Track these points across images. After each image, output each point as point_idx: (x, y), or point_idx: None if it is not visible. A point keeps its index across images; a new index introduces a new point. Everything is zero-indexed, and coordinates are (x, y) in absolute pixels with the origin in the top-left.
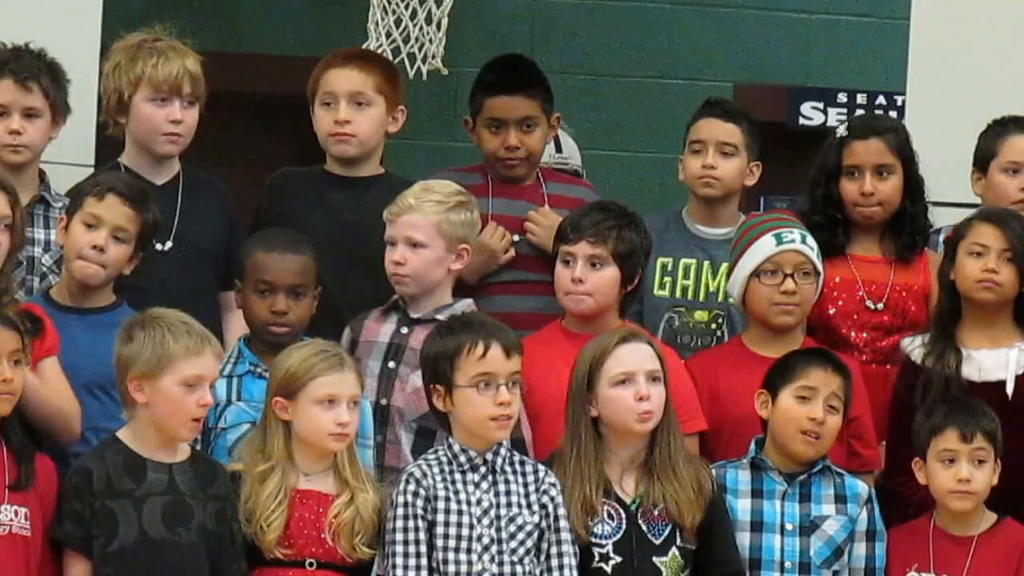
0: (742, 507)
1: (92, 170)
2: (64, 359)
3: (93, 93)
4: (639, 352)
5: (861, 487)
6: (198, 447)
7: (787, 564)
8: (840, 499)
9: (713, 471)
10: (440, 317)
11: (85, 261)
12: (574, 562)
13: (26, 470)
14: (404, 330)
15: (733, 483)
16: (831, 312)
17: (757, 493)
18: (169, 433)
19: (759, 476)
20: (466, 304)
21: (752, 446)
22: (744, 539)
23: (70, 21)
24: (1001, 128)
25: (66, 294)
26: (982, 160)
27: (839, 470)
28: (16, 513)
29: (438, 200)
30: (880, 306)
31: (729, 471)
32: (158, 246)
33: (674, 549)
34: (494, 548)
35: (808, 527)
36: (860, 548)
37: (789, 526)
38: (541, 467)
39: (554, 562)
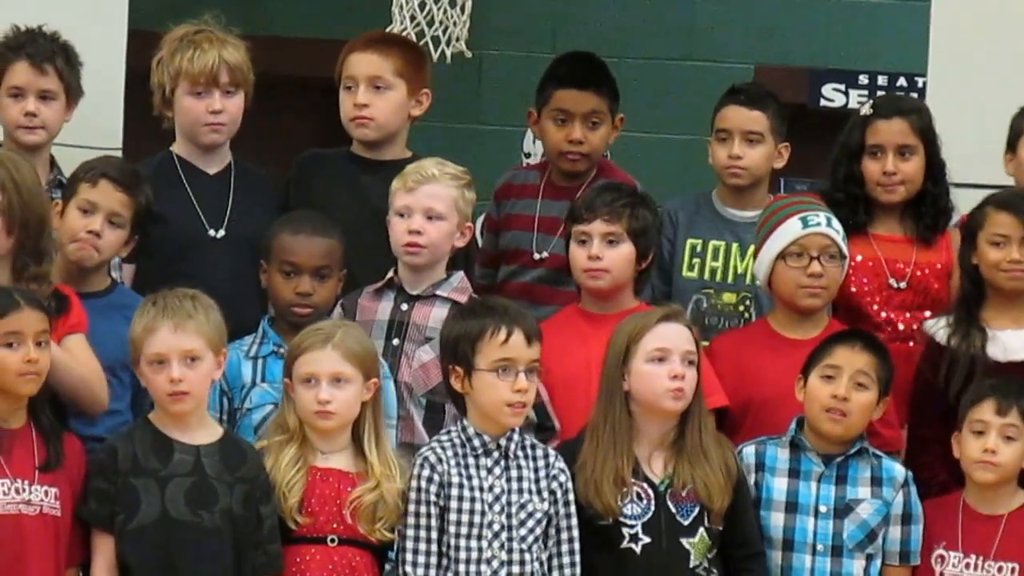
0: (778, 486)
1: (120, 155)
2: None
3: (120, 78)
4: (677, 332)
5: (898, 470)
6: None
7: (819, 547)
8: (876, 482)
9: (752, 447)
10: (440, 293)
11: (79, 243)
12: (578, 547)
13: (55, 451)
14: (404, 307)
15: (772, 461)
16: (853, 291)
17: (794, 473)
18: (166, 409)
19: (797, 456)
20: (459, 277)
21: (792, 425)
22: (778, 520)
23: (97, 5)
24: None
25: (64, 278)
26: (1013, 140)
27: (877, 452)
28: (46, 493)
29: (454, 175)
30: (903, 285)
31: (769, 448)
32: (211, 232)
33: (702, 530)
34: (504, 535)
35: (842, 509)
36: (895, 531)
37: (823, 508)
38: (551, 452)
39: (564, 548)
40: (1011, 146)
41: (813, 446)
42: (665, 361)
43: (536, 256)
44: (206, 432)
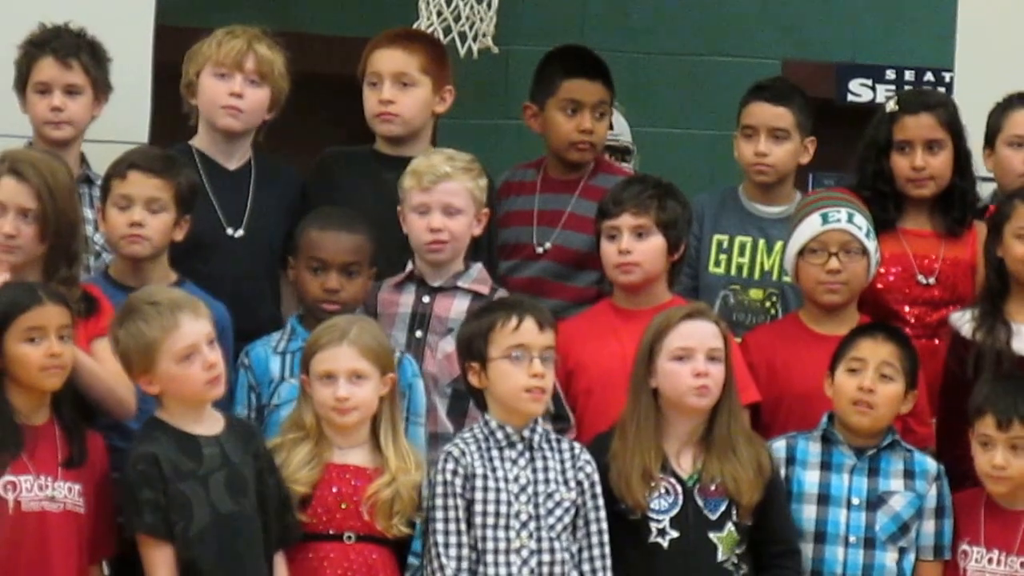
0: (810, 479)
1: None
2: None
3: (148, 74)
4: (702, 329)
5: (931, 464)
6: (253, 421)
7: (852, 539)
8: (909, 475)
9: (783, 441)
10: (461, 284)
11: (126, 239)
12: (607, 539)
13: (78, 447)
14: (426, 299)
15: (803, 455)
16: (881, 286)
17: (826, 466)
18: (196, 404)
19: (829, 449)
20: (478, 268)
21: (824, 419)
22: (810, 512)
23: (126, 3)
24: (1006, 104)
25: (123, 274)
26: (991, 136)
27: (908, 446)
28: (70, 490)
29: (466, 168)
30: (932, 280)
31: (800, 442)
32: (229, 231)
33: (730, 525)
34: (532, 524)
35: (875, 502)
36: (928, 525)
37: (855, 500)
38: (576, 444)
39: (594, 539)
40: (989, 142)
41: (845, 439)
42: (689, 359)
43: (538, 249)
44: (214, 419)
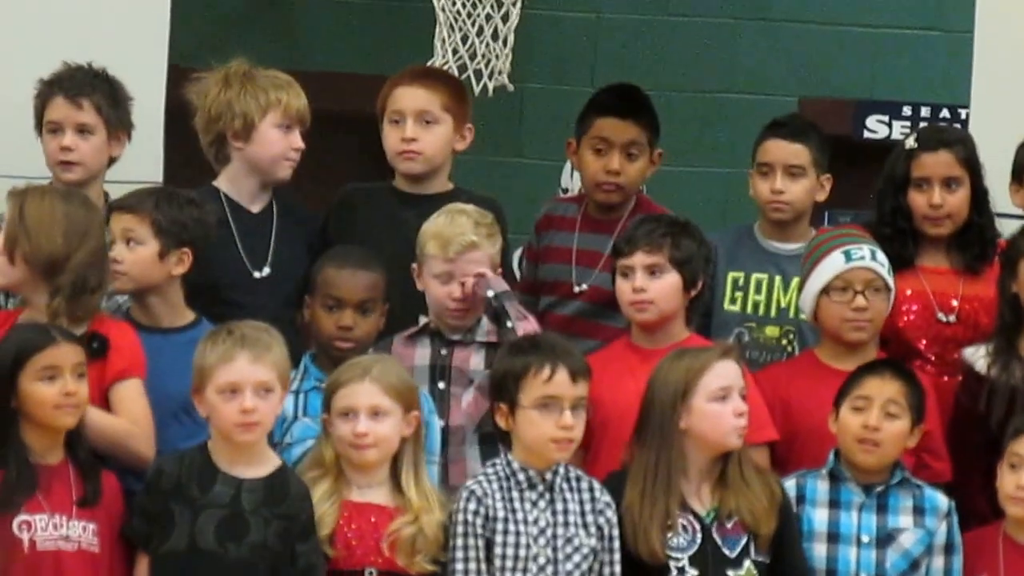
0: (819, 518)
1: None
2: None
3: (161, 113)
4: (735, 368)
5: (941, 500)
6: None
7: None
8: (919, 511)
9: (793, 480)
10: (479, 338)
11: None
12: None
13: (93, 486)
14: (443, 351)
15: (812, 493)
16: (901, 325)
17: (835, 504)
18: (227, 440)
19: (837, 487)
20: (486, 321)
21: (831, 457)
22: (820, 551)
23: (138, 42)
24: None
25: (136, 311)
26: (1018, 171)
27: (918, 482)
28: (84, 529)
29: (488, 233)
30: (952, 318)
31: (808, 480)
32: (255, 274)
33: (748, 562)
34: (550, 568)
35: (885, 539)
36: (938, 561)
37: (865, 538)
38: (596, 484)
39: None
40: (1017, 177)
41: (853, 476)
42: (728, 399)
43: (576, 289)
44: (259, 465)
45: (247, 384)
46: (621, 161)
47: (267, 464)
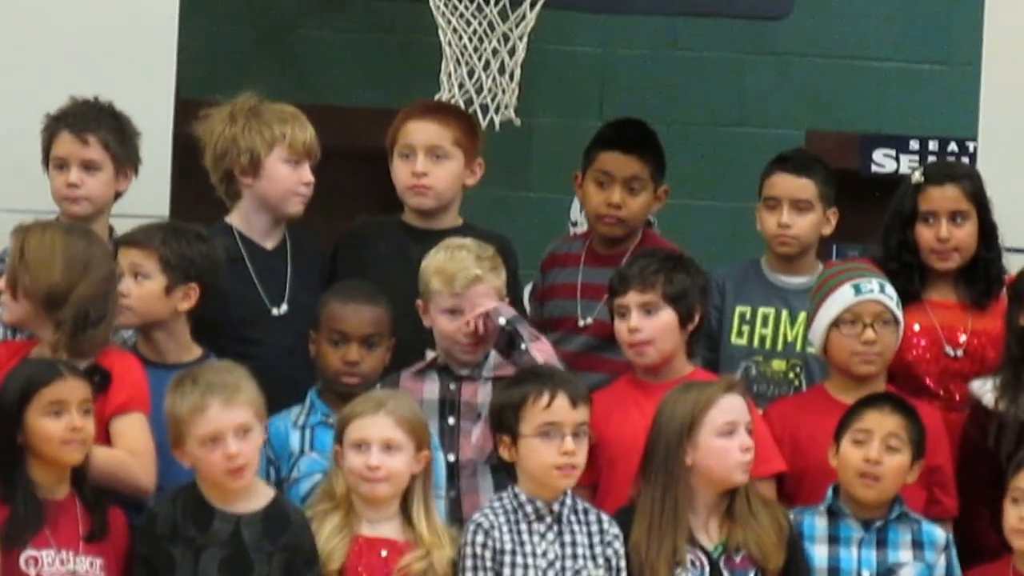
0: (819, 554)
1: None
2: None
3: (167, 148)
4: (740, 403)
5: (939, 533)
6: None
7: None
8: (917, 545)
9: (792, 517)
10: (486, 374)
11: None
12: None
13: (100, 521)
14: (452, 386)
15: (810, 530)
16: (909, 360)
17: (834, 540)
18: (222, 488)
19: (836, 523)
20: (494, 355)
21: (829, 492)
22: None
23: (145, 77)
24: None
25: (143, 346)
26: None
27: (916, 516)
28: (92, 564)
29: (492, 266)
30: (959, 353)
31: (806, 517)
32: (273, 311)
33: None
34: None
35: (885, 574)
36: None
37: (865, 573)
38: (604, 516)
39: None
40: None
41: (852, 512)
42: (734, 434)
43: (581, 323)
44: (253, 499)
45: (226, 431)
46: (622, 195)
47: (262, 496)
